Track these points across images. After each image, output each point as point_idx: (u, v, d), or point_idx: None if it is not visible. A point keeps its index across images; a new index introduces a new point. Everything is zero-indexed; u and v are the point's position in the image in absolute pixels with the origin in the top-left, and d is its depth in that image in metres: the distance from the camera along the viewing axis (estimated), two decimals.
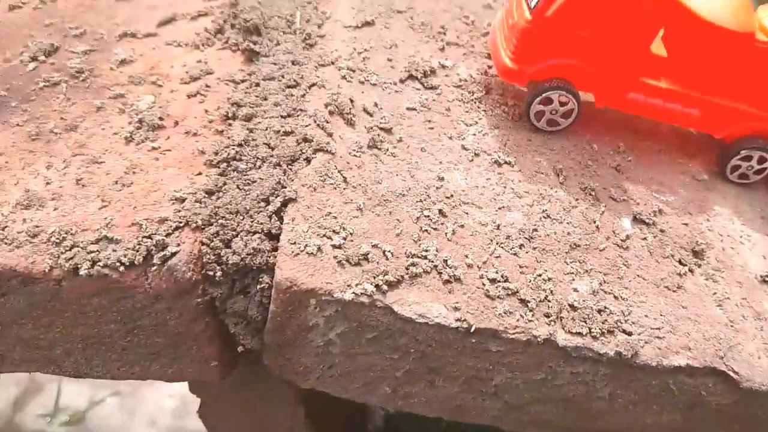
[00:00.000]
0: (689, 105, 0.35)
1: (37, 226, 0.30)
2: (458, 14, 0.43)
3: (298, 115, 0.34)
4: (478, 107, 0.37)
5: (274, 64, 0.37)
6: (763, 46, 0.34)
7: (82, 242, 0.29)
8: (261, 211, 0.30)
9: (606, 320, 0.30)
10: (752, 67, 0.34)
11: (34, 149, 0.34)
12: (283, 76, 0.36)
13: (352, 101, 0.35)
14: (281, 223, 0.30)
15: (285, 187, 0.31)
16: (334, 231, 0.29)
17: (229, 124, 0.34)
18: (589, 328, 0.29)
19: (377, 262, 0.29)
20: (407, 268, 0.29)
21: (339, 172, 0.32)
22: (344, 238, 0.29)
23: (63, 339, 0.32)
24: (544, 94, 0.35)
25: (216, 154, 0.32)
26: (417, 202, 0.32)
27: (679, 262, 0.34)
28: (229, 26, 0.39)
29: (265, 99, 0.35)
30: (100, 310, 0.30)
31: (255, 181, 0.31)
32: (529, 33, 0.33)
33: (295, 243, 0.29)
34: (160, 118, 0.35)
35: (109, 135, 0.34)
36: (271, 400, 0.44)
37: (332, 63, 0.37)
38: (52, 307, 0.31)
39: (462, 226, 0.31)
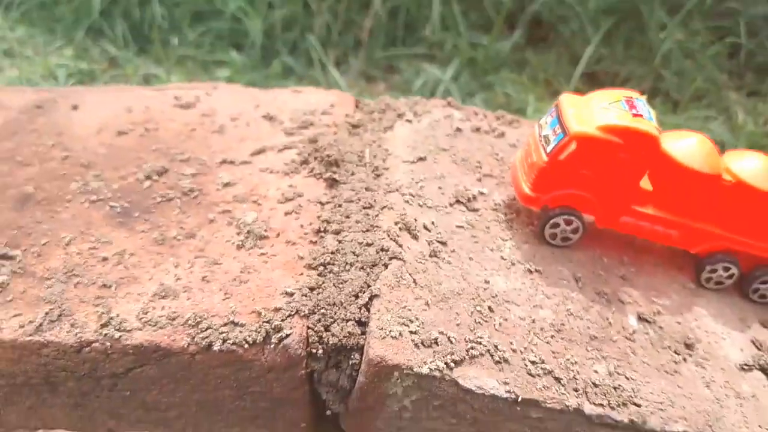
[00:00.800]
0: (669, 227, 0.45)
1: (175, 312, 0.38)
2: (490, 152, 0.53)
3: (374, 231, 0.43)
4: (511, 226, 0.47)
5: (352, 190, 0.46)
6: (728, 183, 0.44)
7: (214, 325, 0.37)
8: (353, 304, 0.38)
9: (620, 395, 0.38)
10: (719, 199, 0.44)
11: (161, 252, 0.43)
12: (359, 200, 0.45)
13: (415, 220, 0.44)
14: (369, 313, 0.38)
15: (370, 286, 0.39)
16: (409, 320, 0.38)
17: (321, 236, 0.43)
18: (608, 401, 0.37)
19: (444, 345, 0.37)
20: (467, 351, 0.37)
21: (410, 275, 0.40)
22: (418, 326, 0.37)
23: (181, 403, 0.40)
24: (551, 221, 0.44)
25: (314, 259, 0.41)
26: (470, 299, 0.40)
27: (675, 352, 0.42)
28: (312, 159, 0.49)
29: (347, 217, 0.44)
30: (221, 378, 0.38)
31: (346, 281, 0.39)
32: (545, 171, 0.43)
33: (381, 329, 0.37)
34: (264, 230, 0.43)
35: (222, 242, 0.43)
36: None
37: (396, 190, 0.46)
38: (181, 376, 0.38)
39: (506, 319, 0.40)
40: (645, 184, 0.45)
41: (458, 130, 0.54)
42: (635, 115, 0.41)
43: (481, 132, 0.55)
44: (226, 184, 0.48)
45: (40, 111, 0.58)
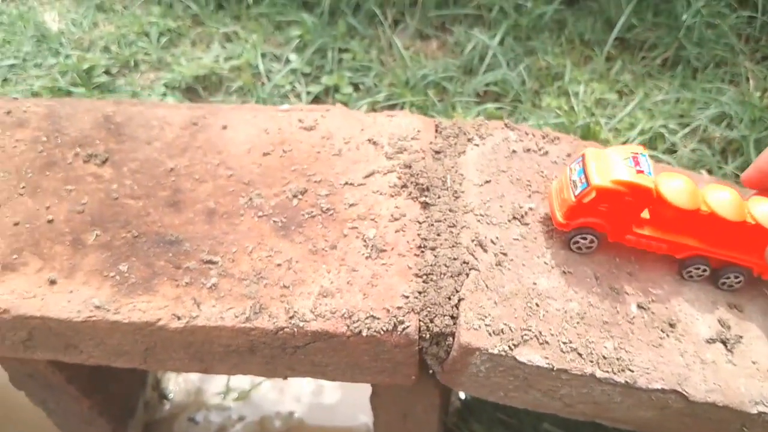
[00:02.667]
0: (661, 243, 0.61)
1: (334, 308, 0.58)
2: (537, 170, 0.70)
3: (458, 246, 0.61)
4: (551, 236, 0.65)
5: (439, 211, 0.64)
6: (704, 213, 0.59)
7: (361, 318, 0.57)
8: (447, 304, 0.58)
9: (621, 364, 0.57)
10: (697, 224, 0.60)
11: (315, 260, 0.62)
12: (445, 220, 0.64)
13: (485, 237, 0.62)
14: (458, 311, 0.57)
15: (458, 291, 0.58)
16: (484, 316, 0.57)
17: (422, 251, 0.61)
18: (612, 368, 0.57)
19: (507, 333, 0.56)
20: (521, 337, 0.57)
21: (483, 281, 0.59)
22: (490, 320, 0.57)
23: (336, 362, 0.60)
24: (575, 238, 0.62)
25: (419, 270, 0.60)
26: (523, 298, 0.59)
27: (661, 330, 0.61)
28: (409, 183, 0.67)
29: (438, 235, 0.62)
30: (364, 350, 0.58)
31: (442, 287, 0.59)
32: (573, 208, 0.60)
33: (467, 323, 0.56)
34: (383, 244, 0.62)
35: (355, 253, 0.62)
36: (418, 393, 0.71)
37: (471, 211, 0.64)
38: (338, 348, 0.58)
39: (547, 312, 0.59)
40: (645, 213, 0.62)
41: (513, 152, 0.71)
42: (638, 172, 0.57)
43: (530, 152, 0.71)
44: (351, 204, 0.66)
45: (197, 128, 0.76)
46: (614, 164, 0.58)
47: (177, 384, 1.00)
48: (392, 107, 1.21)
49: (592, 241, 0.62)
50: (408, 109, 1.16)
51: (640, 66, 1.22)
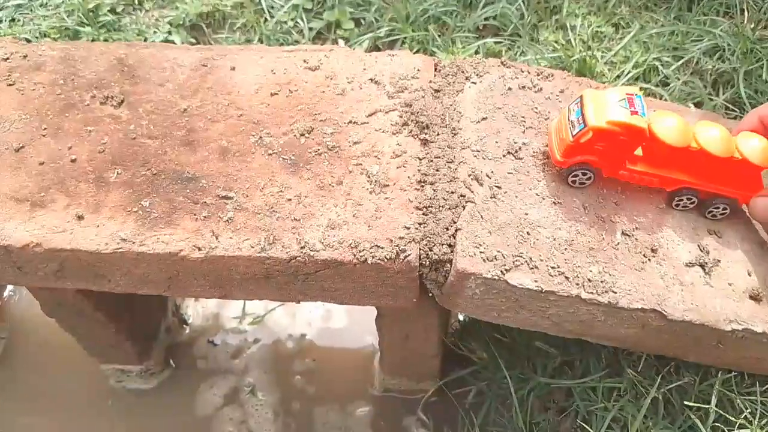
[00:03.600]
0: (653, 177, 0.66)
1: (342, 239, 0.62)
2: (531, 106, 0.73)
3: (455, 181, 0.65)
4: (545, 169, 0.68)
5: (438, 147, 0.68)
6: (694, 150, 0.64)
7: (366, 247, 0.61)
8: (445, 234, 0.62)
9: (605, 286, 0.62)
10: (688, 159, 0.64)
11: (323, 195, 0.66)
12: (444, 156, 0.67)
13: (481, 171, 0.66)
14: (455, 240, 0.62)
15: (455, 222, 0.63)
16: (479, 244, 0.62)
17: (422, 185, 0.65)
18: (596, 290, 0.62)
19: (500, 260, 0.61)
20: (513, 263, 0.61)
21: (478, 212, 0.63)
22: (484, 248, 0.61)
23: (343, 287, 0.65)
24: (572, 173, 0.66)
25: (420, 203, 0.64)
26: (516, 227, 0.63)
27: (644, 255, 0.65)
28: (410, 121, 0.70)
29: (437, 170, 0.66)
30: (369, 276, 0.63)
31: (441, 219, 0.63)
32: (571, 147, 0.63)
33: (463, 250, 0.61)
34: (385, 180, 0.66)
35: (360, 188, 0.66)
36: (419, 314, 0.77)
37: (468, 147, 0.68)
38: (346, 274, 0.63)
39: (537, 239, 0.63)
40: (638, 151, 0.65)
41: (509, 89, 0.74)
42: (633, 113, 0.60)
43: (525, 89, 0.74)
44: (356, 142, 0.69)
45: (207, 70, 0.78)
46: (610, 106, 0.61)
47: (195, 310, 1.06)
48: (393, 43, 1.22)
49: (588, 177, 0.66)
50: (408, 45, 1.18)
51: None
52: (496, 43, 1.17)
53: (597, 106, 0.62)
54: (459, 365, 0.91)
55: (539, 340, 0.84)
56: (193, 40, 1.32)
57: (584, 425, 0.75)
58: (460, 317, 0.98)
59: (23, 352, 1.05)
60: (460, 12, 1.24)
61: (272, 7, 1.32)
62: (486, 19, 1.21)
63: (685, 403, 0.70)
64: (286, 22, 1.30)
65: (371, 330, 1.01)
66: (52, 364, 1.03)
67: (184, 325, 1.04)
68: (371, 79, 0.75)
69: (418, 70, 0.75)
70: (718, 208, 0.68)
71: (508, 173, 0.67)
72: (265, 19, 1.31)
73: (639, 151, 0.65)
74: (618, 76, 1.05)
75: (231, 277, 0.65)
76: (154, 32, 1.32)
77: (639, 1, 1.22)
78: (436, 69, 0.76)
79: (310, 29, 1.29)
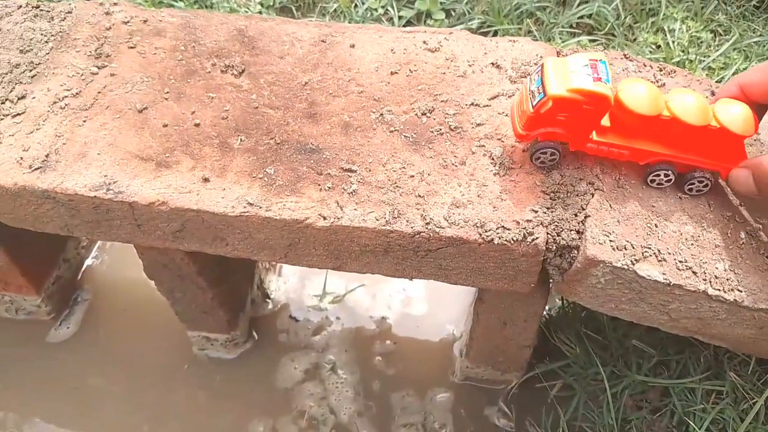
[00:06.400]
0: (623, 149, 0.61)
1: (467, 217, 0.62)
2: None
3: (583, 169, 0.64)
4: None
5: None
6: (666, 118, 0.59)
7: (492, 228, 0.61)
8: (573, 220, 0.61)
9: (730, 284, 0.61)
10: (660, 129, 0.60)
11: (446, 174, 0.66)
12: None
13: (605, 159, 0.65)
14: (584, 227, 0.61)
15: (584, 209, 0.62)
16: (608, 233, 0.61)
17: (549, 171, 0.65)
18: (723, 287, 0.60)
19: (629, 250, 0.60)
20: (642, 254, 0.60)
21: (607, 201, 0.63)
22: (614, 237, 0.60)
23: (462, 266, 0.65)
24: (536, 152, 0.62)
25: (547, 187, 0.63)
26: (644, 218, 0.62)
27: (767, 257, 0.64)
28: None
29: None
30: (491, 257, 0.62)
31: (569, 204, 0.62)
32: (532, 118, 0.60)
33: (593, 237, 0.60)
34: (510, 162, 0.66)
35: (484, 170, 0.65)
36: (524, 302, 0.76)
37: None
38: (467, 253, 0.63)
39: (665, 232, 0.62)
40: (606, 121, 0.61)
41: None
42: (596, 79, 0.56)
43: None
44: (478, 124, 0.69)
45: (326, 45, 0.79)
46: (571, 73, 0.57)
47: (277, 285, 1.06)
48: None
49: (553, 154, 0.63)
50: None
51: (734, 6, 1.20)
52: (591, 41, 1.15)
53: (558, 74, 0.57)
54: (543, 358, 0.90)
55: (634, 338, 0.82)
56: None
57: (680, 426, 0.74)
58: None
59: (104, 316, 1.07)
60: (554, 8, 1.22)
61: None
62: (580, 17, 1.20)
63: None
64: (376, 9, 1.30)
65: (450, 318, 1.02)
66: (132, 329, 1.04)
67: (267, 299, 1.05)
68: (492, 63, 0.74)
69: (540, 56, 0.74)
70: (694, 183, 0.63)
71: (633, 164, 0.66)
72: (356, 5, 1.32)
73: (607, 122, 0.61)
74: (718, 82, 1.03)
75: (350, 249, 0.65)
76: (245, 11, 1.33)
77: (736, 10, 1.20)
78: (558, 57, 0.75)
79: (400, 17, 1.29)
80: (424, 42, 0.77)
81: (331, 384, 0.96)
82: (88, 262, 1.11)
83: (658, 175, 0.63)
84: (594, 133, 0.61)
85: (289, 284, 1.07)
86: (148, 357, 1.03)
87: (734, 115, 0.59)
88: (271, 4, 1.36)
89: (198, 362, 1.01)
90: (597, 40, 1.15)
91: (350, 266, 0.68)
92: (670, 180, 0.63)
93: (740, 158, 0.61)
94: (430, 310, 1.04)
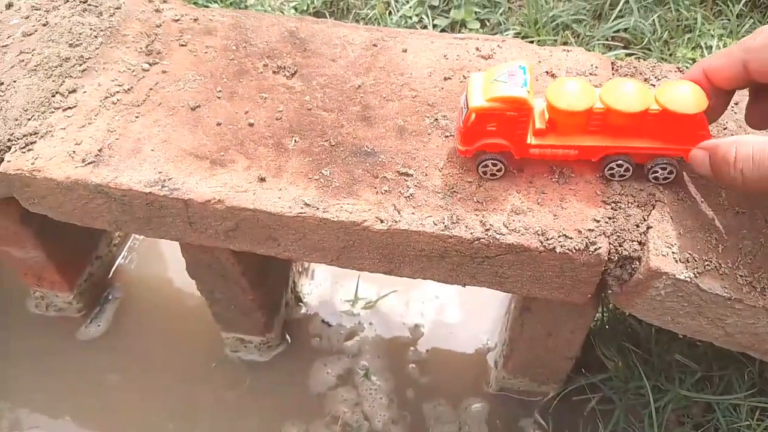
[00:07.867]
0: (569, 149, 0.61)
1: (527, 225, 0.61)
2: None
3: (642, 181, 0.64)
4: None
5: None
6: (600, 111, 0.58)
7: (553, 236, 0.60)
8: (635, 231, 0.61)
9: None
10: (599, 122, 0.59)
11: (504, 180, 0.65)
12: None
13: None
14: (646, 238, 0.60)
15: (646, 220, 0.61)
16: (671, 245, 0.60)
17: (608, 180, 0.64)
18: None
19: (692, 263, 0.59)
20: (704, 266, 0.59)
21: (668, 213, 0.62)
22: (676, 249, 0.60)
23: (518, 275, 0.64)
24: (479, 165, 0.62)
25: (607, 197, 0.63)
26: (705, 232, 0.62)
27: None
28: None
29: None
30: (551, 266, 0.62)
31: (631, 215, 0.61)
32: (464, 133, 0.60)
33: (656, 249, 0.59)
34: (570, 171, 0.65)
35: (542, 177, 0.64)
36: (572, 313, 0.75)
37: None
38: (526, 261, 0.62)
39: (726, 247, 0.61)
40: (541, 124, 0.60)
41: None
42: (513, 85, 0.57)
43: None
44: None
45: (377, 49, 0.78)
46: (492, 83, 0.58)
47: (310, 289, 1.06)
48: None
49: (495, 164, 0.62)
50: None
51: None
52: (627, 54, 1.15)
53: (479, 87, 0.58)
54: (579, 370, 0.89)
55: (676, 352, 0.81)
56: None
57: None
58: None
59: (135, 315, 1.06)
60: (590, 21, 1.22)
61: (398, 1, 1.32)
62: (616, 31, 1.20)
63: None
64: (410, 17, 1.30)
65: (484, 328, 1.01)
66: (162, 329, 1.04)
67: (300, 303, 1.04)
68: (547, 72, 0.74)
69: (596, 67, 0.74)
70: (660, 169, 0.61)
71: (691, 177, 0.65)
72: (390, 12, 1.32)
73: (542, 124, 0.60)
74: None
75: (405, 253, 0.64)
76: (279, 15, 1.33)
77: None
78: (613, 68, 0.74)
79: (434, 26, 1.29)
80: (477, 49, 0.77)
81: (365, 390, 0.95)
82: (119, 260, 1.10)
83: (612, 168, 0.62)
84: (532, 138, 0.61)
85: (322, 288, 1.06)
86: (178, 357, 1.02)
87: (678, 95, 0.56)
88: (305, 8, 1.36)
89: (228, 363, 1.00)
90: (633, 53, 1.15)
91: (403, 270, 0.67)
92: (628, 170, 0.62)
93: (704, 139, 0.57)
94: (462, 318, 1.03)
